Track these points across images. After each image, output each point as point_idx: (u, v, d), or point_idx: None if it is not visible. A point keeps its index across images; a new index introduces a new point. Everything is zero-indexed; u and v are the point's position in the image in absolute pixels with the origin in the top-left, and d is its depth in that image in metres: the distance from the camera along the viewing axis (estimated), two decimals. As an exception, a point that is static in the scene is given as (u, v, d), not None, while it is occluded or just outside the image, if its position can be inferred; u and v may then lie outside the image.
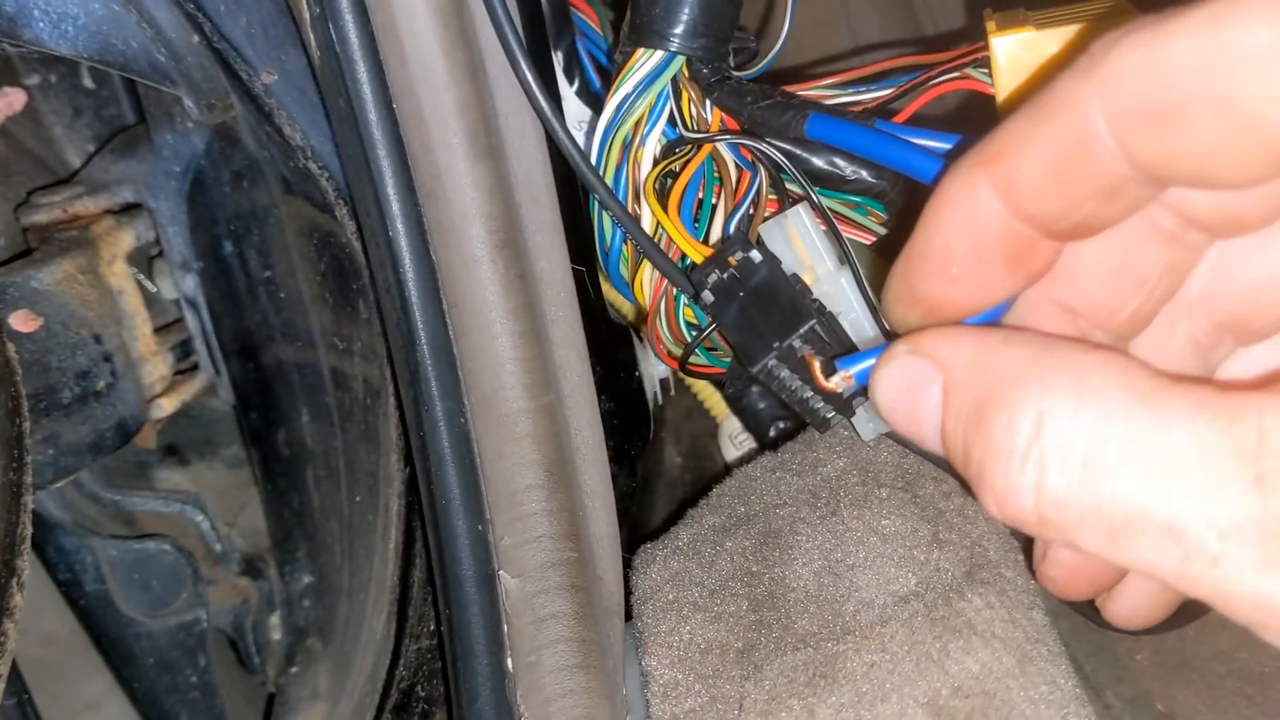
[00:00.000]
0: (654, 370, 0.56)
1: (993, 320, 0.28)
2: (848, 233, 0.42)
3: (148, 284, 0.51)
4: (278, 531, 0.55)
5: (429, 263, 0.37)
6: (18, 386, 0.39)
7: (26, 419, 0.39)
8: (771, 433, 0.53)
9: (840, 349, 0.35)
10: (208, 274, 0.51)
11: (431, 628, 0.44)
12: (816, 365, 0.33)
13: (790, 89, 0.41)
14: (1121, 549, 0.20)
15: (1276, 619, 0.19)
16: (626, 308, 0.51)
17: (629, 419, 0.51)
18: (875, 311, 0.36)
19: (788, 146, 0.39)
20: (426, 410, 0.38)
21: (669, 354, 0.44)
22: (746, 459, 0.48)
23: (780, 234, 0.36)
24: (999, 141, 0.24)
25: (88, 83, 0.53)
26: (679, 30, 0.38)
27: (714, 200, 0.41)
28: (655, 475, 0.58)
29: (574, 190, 0.44)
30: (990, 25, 0.34)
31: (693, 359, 0.43)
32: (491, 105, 0.38)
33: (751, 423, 0.54)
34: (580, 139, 0.45)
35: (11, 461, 0.38)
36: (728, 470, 0.48)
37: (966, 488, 0.24)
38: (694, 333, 0.42)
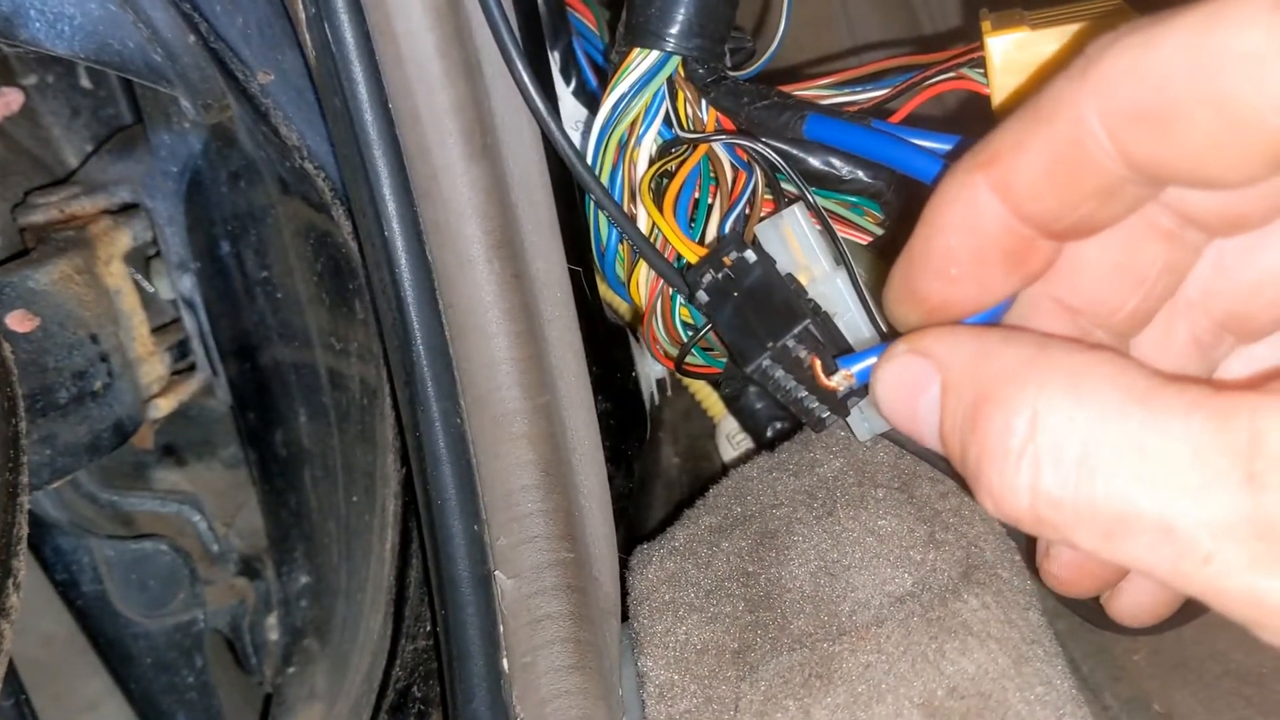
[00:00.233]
0: (651, 370, 0.56)
1: (993, 319, 0.28)
2: (844, 233, 0.42)
3: (145, 284, 0.51)
4: (275, 532, 0.55)
5: (425, 263, 0.37)
6: (14, 387, 0.40)
7: (23, 419, 0.39)
8: (769, 433, 0.53)
9: (835, 349, 0.35)
10: (205, 274, 0.51)
11: (428, 628, 0.44)
12: (818, 364, 0.33)
13: (786, 89, 0.41)
14: (1116, 548, 0.20)
15: (1270, 617, 0.19)
16: (623, 308, 0.51)
17: (626, 419, 0.51)
18: (871, 312, 0.36)
19: (784, 146, 0.39)
20: (422, 410, 0.38)
21: (665, 354, 0.44)
22: (744, 459, 0.48)
23: (776, 234, 0.36)
24: (996, 143, 0.24)
25: (85, 83, 0.53)
26: (675, 30, 0.38)
27: (710, 200, 0.41)
28: (653, 475, 0.58)
29: (570, 190, 0.44)
30: (986, 25, 0.34)
31: (689, 359, 0.43)
32: (487, 105, 0.38)
33: (749, 423, 0.54)
34: (577, 139, 0.45)
35: (8, 462, 0.38)
36: (725, 470, 0.48)
37: (964, 486, 0.24)
38: (690, 333, 0.42)
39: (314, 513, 0.53)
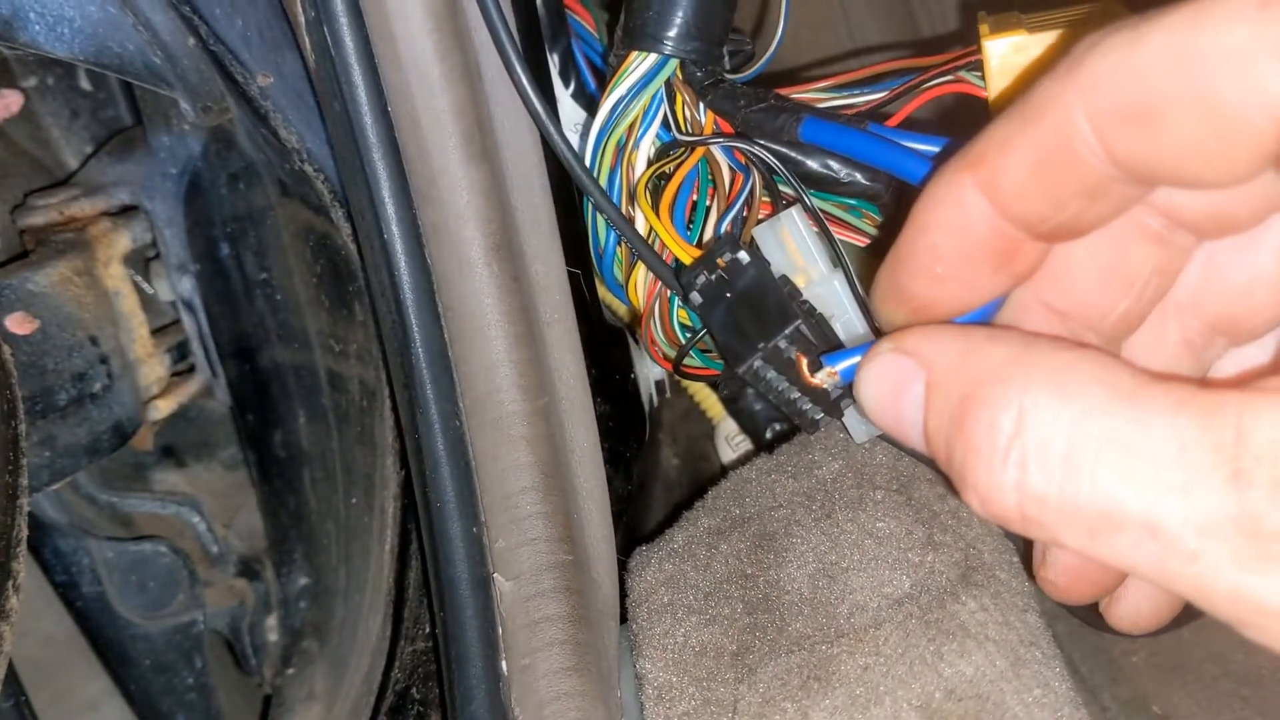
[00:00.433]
0: (649, 372, 0.56)
1: (982, 320, 0.28)
2: (842, 235, 0.42)
3: (144, 286, 0.51)
4: (274, 533, 0.55)
5: (424, 265, 0.37)
6: (13, 389, 0.40)
7: (22, 421, 0.39)
8: (768, 435, 0.53)
9: (828, 349, 0.35)
10: (204, 276, 0.52)
11: (427, 630, 0.44)
12: (803, 362, 0.33)
13: (783, 92, 0.41)
14: (1102, 545, 0.20)
15: (1255, 615, 0.19)
16: (622, 310, 0.51)
17: (625, 421, 0.51)
18: (868, 313, 0.36)
19: (781, 149, 0.39)
20: (421, 413, 0.38)
21: (663, 356, 0.44)
22: (743, 461, 0.48)
23: (773, 236, 0.37)
24: (984, 143, 0.24)
25: (85, 85, 0.54)
26: (673, 33, 0.38)
27: (708, 203, 0.41)
28: (652, 477, 0.58)
29: (569, 193, 0.44)
30: (983, 29, 0.34)
31: (687, 361, 0.43)
32: (487, 108, 0.38)
33: (748, 425, 0.55)
34: (575, 141, 0.45)
35: (7, 464, 0.38)
36: (724, 472, 0.48)
37: (951, 486, 0.24)
38: (688, 335, 0.42)
39: (313, 514, 0.53)
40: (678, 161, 0.41)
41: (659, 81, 0.40)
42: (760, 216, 0.40)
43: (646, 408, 0.55)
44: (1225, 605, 0.19)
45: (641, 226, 0.41)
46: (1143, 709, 0.42)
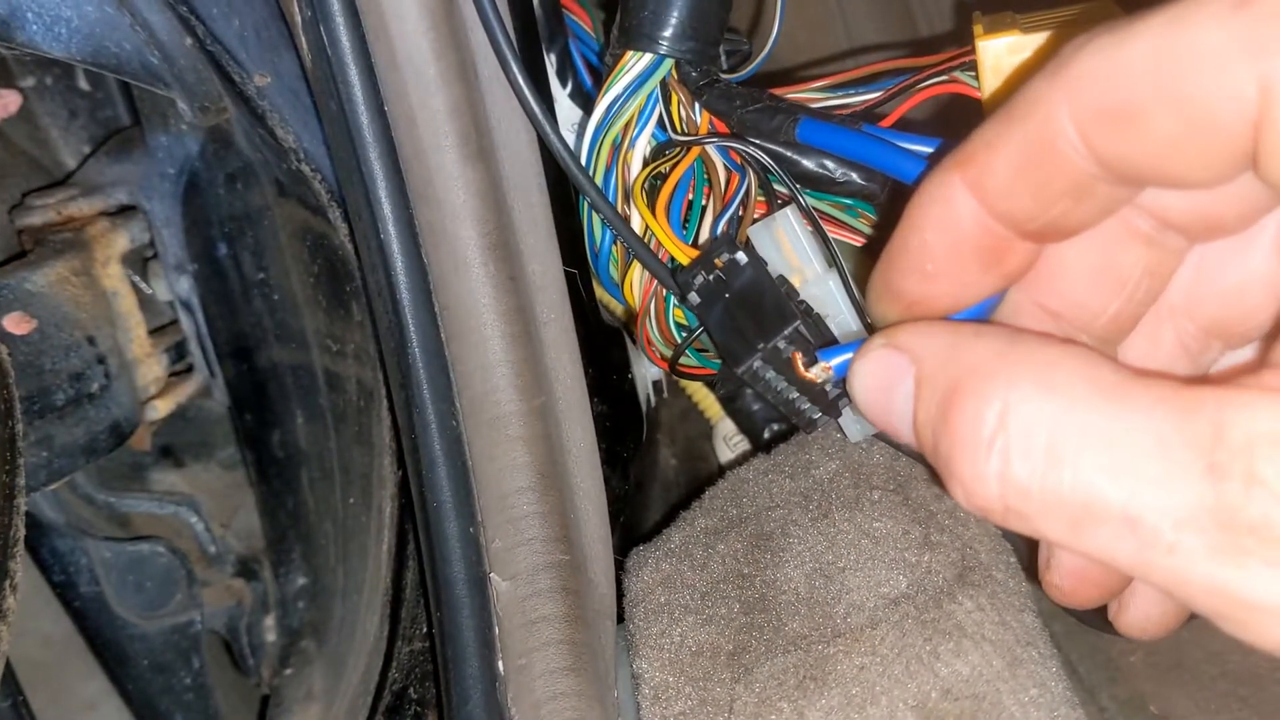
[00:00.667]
0: (647, 372, 0.56)
1: (978, 319, 0.28)
2: (839, 235, 0.42)
3: (142, 286, 0.51)
4: (272, 533, 0.55)
5: (421, 265, 0.37)
6: (10, 389, 0.40)
7: (19, 421, 0.39)
8: (766, 435, 0.53)
9: (823, 345, 0.35)
10: (202, 276, 0.52)
11: (424, 630, 0.44)
12: (798, 358, 0.33)
13: (778, 92, 0.41)
14: (1082, 537, 0.21)
15: (1230, 607, 0.19)
16: (619, 310, 0.51)
17: (622, 422, 0.51)
18: (863, 313, 0.36)
19: (777, 149, 0.39)
20: (418, 413, 0.38)
21: (659, 355, 0.44)
22: (741, 461, 0.48)
23: (769, 237, 0.37)
24: (973, 142, 0.25)
25: (83, 85, 0.54)
26: (668, 33, 0.38)
27: (704, 202, 0.41)
28: (650, 477, 0.58)
29: (566, 193, 0.44)
30: (978, 29, 0.34)
31: (683, 360, 0.43)
32: (483, 108, 0.38)
33: (746, 425, 0.55)
34: (573, 141, 0.45)
35: (4, 464, 0.38)
36: (722, 472, 0.48)
37: (937, 480, 0.24)
38: (684, 334, 0.42)
39: (311, 514, 0.53)
40: (673, 161, 0.41)
41: (654, 81, 0.40)
42: (756, 216, 0.40)
43: (644, 408, 0.55)
44: (1202, 598, 0.19)
45: (637, 226, 0.41)
46: (1140, 709, 0.42)
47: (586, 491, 0.41)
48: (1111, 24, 0.21)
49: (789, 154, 0.39)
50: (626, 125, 0.40)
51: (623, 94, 0.40)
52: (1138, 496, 0.19)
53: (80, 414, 0.47)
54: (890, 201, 0.40)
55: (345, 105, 0.36)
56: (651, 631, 0.39)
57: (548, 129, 0.38)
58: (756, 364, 0.34)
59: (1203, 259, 0.27)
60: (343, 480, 0.50)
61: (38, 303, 0.45)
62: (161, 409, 0.51)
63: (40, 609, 0.57)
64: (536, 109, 0.38)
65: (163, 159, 0.49)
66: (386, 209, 0.37)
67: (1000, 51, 0.34)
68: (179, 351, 0.53)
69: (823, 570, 0.39)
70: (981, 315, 0.28)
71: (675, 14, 0.38)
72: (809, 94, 0.41)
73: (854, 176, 0.39)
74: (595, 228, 0.44)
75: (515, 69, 0.37)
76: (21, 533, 0.38)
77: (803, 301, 0.36)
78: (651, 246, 0.40)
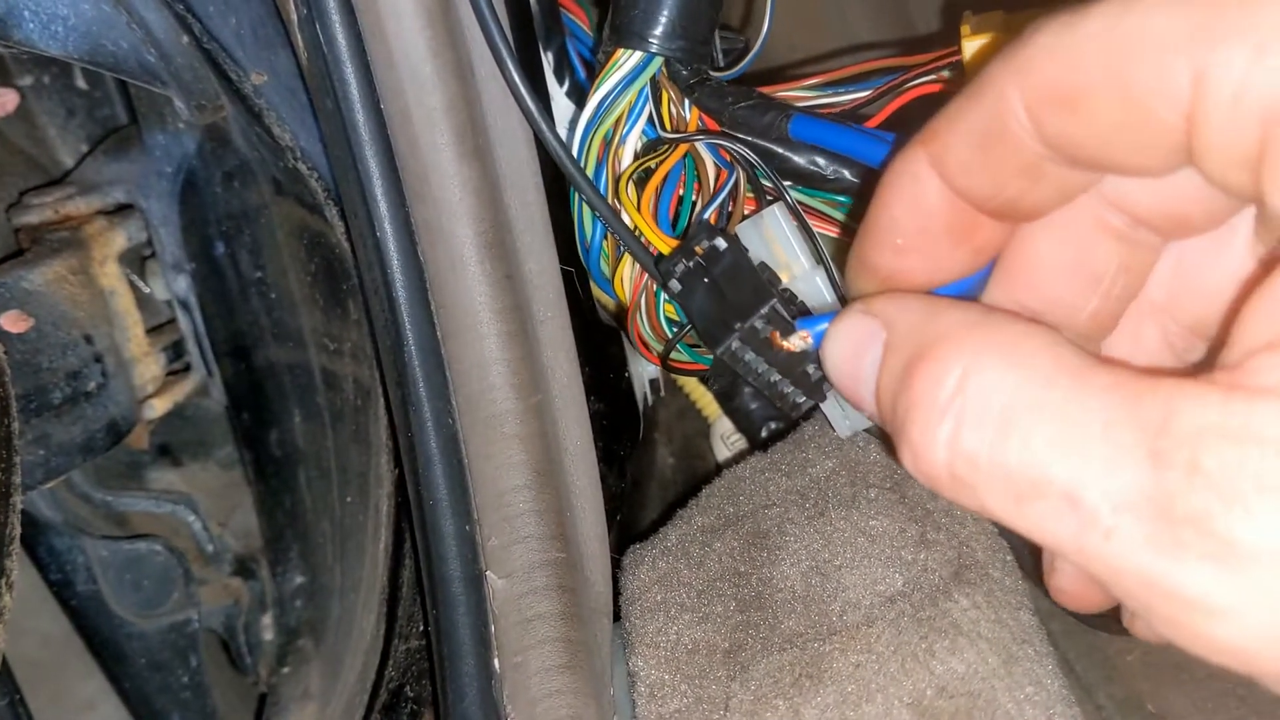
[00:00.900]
0: (643, 371, 0.56)
1: (967, 294, 0.28)
2: (829, 231, 0.42)
3: (140, 284, 0.51)
4: (270, 532, 0.55)
5: (417, 263, 0.37)
6: (7, 387, 0.40)
7: (16, 419, 0.39)
8: (763, 433, 0.53)
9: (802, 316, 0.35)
10: (200, 274, 0.52)
11: (420, 628, 0.44)
12: (776, 336, 0.33)
13: (767, 90, 0.41)
14: (1024, 513, 0.20)
15: (1164, 603, 0.19)
16: (613, 307, 0.52)
17: (618, 420, 0.51)
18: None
19: (768, 145, 0.39)
20: (414, 411, 0.38)
21: (650, 350, 0.44)
22: (738, 459, 0.48)
23: (757, 234, 0.37)
24: (938, 120, 0.25)
25: (81, 83, 0.54)
26: (657, 32, 0.38)
27: (694, 199, 0.42)
28: (648, 475, 0.58)
29: (563, 191, 0.44)
30: (965, 28, 0.34)
31: (675, 355, 0.43)
32: (479, 106, 0.38)
33: (743, 423, 0.55)
34: (567, 137, 0.45)
35: (1, 462, 0.38)
36: (719, 471, 0.48)
37: (892, 450, 0.24)
38: (675, 329, 0.43)
39: (308, 513, 0.53)
40: (661, 157, 0.41)
41: (644, 79, 0.40)
42: (745, 213, 0.40)
43: (641, 406, 0.55)
44: (1136, 589, 0.19)
45: (624, 220, 0.41)
46: (1137, 707, 0.42)
47: (583, 489, 0.41)
48: (1071, 8, 0.21)
49: (780, 150, 0.39)
50: (617, 121, 0.40)
51: (613, 91, 0.40)
52: (1079, 475, 0.19)
53: (77, 412, 0.47)
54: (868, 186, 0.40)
55: (341, 103, 0.36)
56: (648, 629, 0.39)
57: (543, 126, 0.38)
58: (735, 344, 0.34)
59: (1182, 258, 0.27)
60: (340, 479, 0.50)
61: (35, 301, 0.45)
62: (159, 408, 0.51)
63: (37, 608, 0.57)
64: (532, 106, 0.38)
65: (160, 157, 0.49)
66: (382, 207, 0.37)
67: (985, 50, 0.34)
68: (176, 350, 0.53)
69: (819, 568, 0.39)
70: (971, 291, 0.28)
71: (665, 13, 0.38)
72: (797, 92, 0.42)
73: (845, 173, 0.39)
74: (586, 223, 0.44)
75: (511, 67, 0.37)
76: (18, 531, 0.38)
77: (787, 289, 0.36)
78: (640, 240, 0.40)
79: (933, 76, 0.38)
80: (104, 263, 0.49)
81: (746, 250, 0.37)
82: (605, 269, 0.44)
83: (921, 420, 0.22)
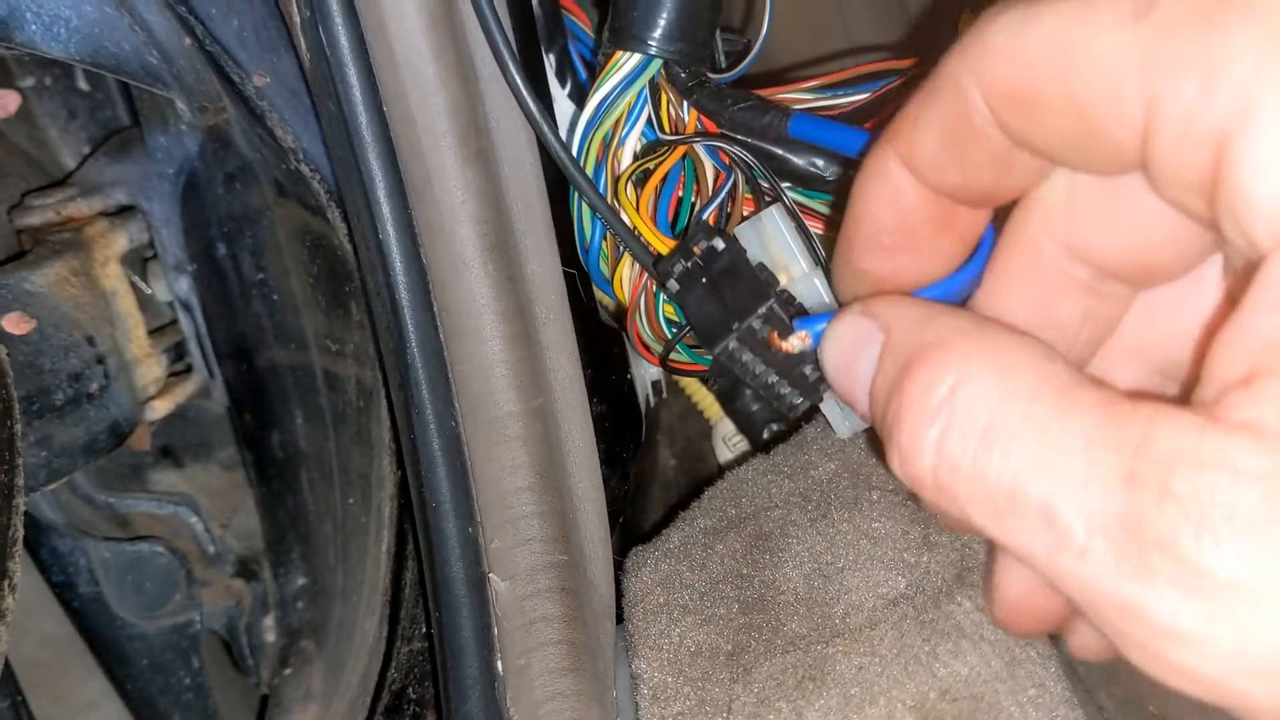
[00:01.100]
0: (646, 373, 0.56)
1: (959, 296, 0.28)
2: (830, 232, 0.42)
3: (141, 286, 0.51)
4: (272, 533, 0.55)
5: (420, 265, 0.37)
6: (10, 389, 0.40)
7: (19, 421, 0.39)
8: (765, 435, 0.53)
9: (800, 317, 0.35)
10: (201, 276, 0.52)
11: (423, 630, 0.44)
12: (774, 336, 0.33)
13: (765, 93, 0.41)
14: (1003, 526, 0.20)
15: (1135, 628, 0.18)
16: (613, 307, 0.51)
17: (620, 422, 0.51)
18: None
19: (767, 147, 0.39)
20: (417, 413, 0.38)
21: (650, 351, 0.44)
22: (740, 461, 0.48)
23: (755, 236, 0.37)
24: (902, 117, 0.25)
25: (82, 85, 0.54)
26: (656, 34, 0.38)
27: (694, 200, 0.42)
28: (650, 477, 0.58)
29: (565, 193, 0.44)
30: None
31: (675, 356, 0.43)
32: (482, 108, 0.38)
33: (745, 425, 0.54)
34: (567, 138, 0.45)
35: (3, 464, 0.38)
36: (721, 473, 0.48)
37: (881, 453, 0.24)
38: (674, 329, 0.43)
39: (311, 514, 0.53)
40: (660, 159, 0.41)
41: (643, 81, 0.40)
42: (744, 214, 0.40)
43: (643, 408, 0.55)
44: (1109, 614, 0.19)
45: (624, 220, 0.41)
46: (1139, 708, 0.42)
47: (585, 492, 0.41)
48: (1022, 3, 0.21)
49: (778, 152, 0.39)
50: (616, 123, 0.40)
51: (612, 92, 0.40)
52: (1057, 492, 0.19)
53: (79, 414, 0.47)
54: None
55: (344, 105, 0.36)
56: (650, 632, 0.39)
57: (544, 128, 0.38)
58: (732, 344, 0.34)
59: (1153, 303, 0.27)
60: (342, 480, 0.50)
61: (37, 303, 0.45)
62: (161, 409, 0.51)
63: (40, 609, 0.57)
64: (534, 109, 0.38)
65: (162, 159, 0.49)
66: (385, 209, 0.37)
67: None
68: (178, 352, 0.53)
69: (821, 570, 0.39)
70: (951, 297, 0.28)
71: (664, 15, 0.38)
72: (797, 95, 0.42)
73: (844, 174, 0.39)
74: (585, 224, 0.44)
75: (513, 69, 0.37)
76: (20, 533, 0.38)
77: (785, 290, 0.36)
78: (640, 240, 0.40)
79: (929, 78, 0.38)
80: (106, 264, 0.49)
81: (745, 251, 0.37)
82: (605, 269, 0.44)
83: (911, 423, 0.22)
